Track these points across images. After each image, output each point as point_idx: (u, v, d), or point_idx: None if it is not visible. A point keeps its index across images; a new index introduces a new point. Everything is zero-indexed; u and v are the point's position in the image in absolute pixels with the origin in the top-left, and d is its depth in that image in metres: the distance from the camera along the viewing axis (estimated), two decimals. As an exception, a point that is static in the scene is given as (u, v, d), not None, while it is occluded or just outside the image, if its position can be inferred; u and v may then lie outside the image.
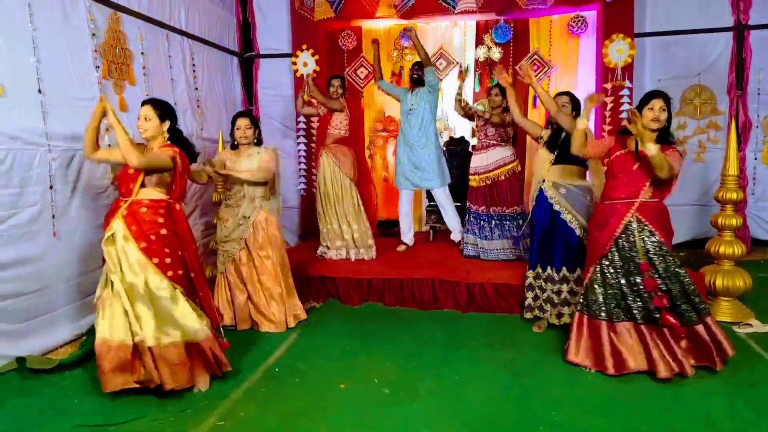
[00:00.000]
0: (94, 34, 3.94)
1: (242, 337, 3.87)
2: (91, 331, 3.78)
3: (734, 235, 4.20)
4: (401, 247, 5.52)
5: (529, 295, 4.14)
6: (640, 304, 3.20)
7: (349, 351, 3.71)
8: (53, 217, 3.56)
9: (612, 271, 3.27)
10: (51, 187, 3.54)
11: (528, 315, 4.15)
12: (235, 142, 4.10)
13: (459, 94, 5.33)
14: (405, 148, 5.34)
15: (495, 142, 5.02)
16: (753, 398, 2.92)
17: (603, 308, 3.28)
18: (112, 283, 3.02)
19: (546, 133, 4.10)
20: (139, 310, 2.98)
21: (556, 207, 3.92)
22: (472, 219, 5.12)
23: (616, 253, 3.26)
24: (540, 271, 4.08)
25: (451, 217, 5.48)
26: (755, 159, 5.83)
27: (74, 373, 3.34)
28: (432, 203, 5.81)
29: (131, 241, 3.02)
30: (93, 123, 3.16)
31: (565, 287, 3.96)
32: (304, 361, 3.53)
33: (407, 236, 5.58)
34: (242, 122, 4.05)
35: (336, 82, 5.18)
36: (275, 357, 3.60)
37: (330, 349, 3.74)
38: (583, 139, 3.46)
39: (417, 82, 5.25)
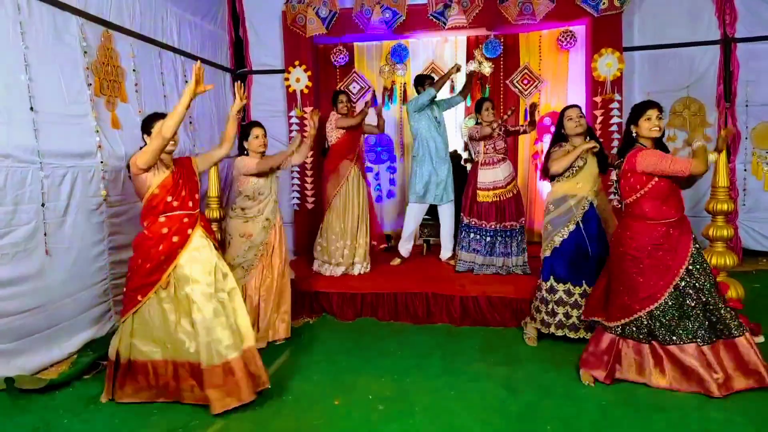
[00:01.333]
0: (86, 52, 3.95)
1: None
2: (82, 350, 3.76)
3: (726, 246, 4.21)
4: (396, 261, 5.52)
5: (560, 310, 3.85)
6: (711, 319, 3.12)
7: (343, 367, 3.68)
8: (45, 235, 3.53)
9: (690, 291, 3.15)
10: (43, 205, 3.52)
11: (560, 333, 3.87)
12: (246, 152, 4.06)
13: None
14: (433, 163, 5.33)
15: (502, 156, 5.03)
16: (748, 409, 2.92)
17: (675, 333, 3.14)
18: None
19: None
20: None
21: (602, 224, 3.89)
22: (474, 235, 5.07)
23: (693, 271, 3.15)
24: (570, 286, 3.84)
25: (449, 234, 5.49)
26: (745, 170, 5.89)
27: (65, 392, 3.30)
28: (427, 217, 5.82)
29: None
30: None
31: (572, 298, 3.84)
32: (297, 378, 3.50)
33: (405, 248, 5.58)
34: (261, 131, 4.04)
35: (344, 98, 5.26)
36: (268, 373, 3.57)
37: (324, 365, 3.72)
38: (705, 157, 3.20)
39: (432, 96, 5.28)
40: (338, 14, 6.06)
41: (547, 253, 3.89)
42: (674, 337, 3.12)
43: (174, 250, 3.07)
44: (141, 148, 3.17)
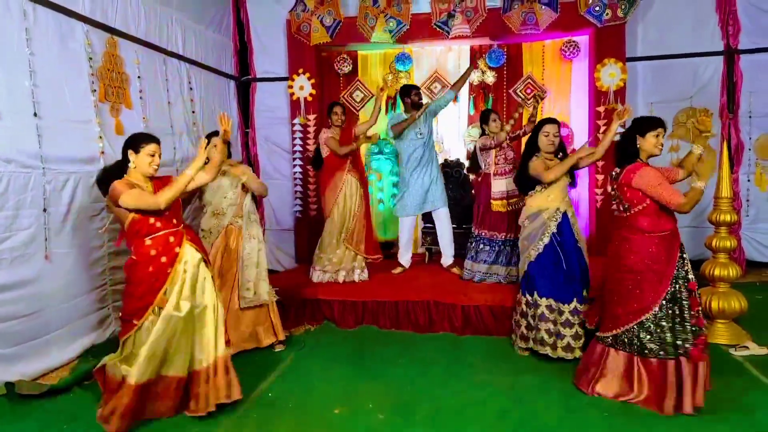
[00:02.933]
0: (91, 58, 3.97)
1: (235, 361, 3.80)
2: (82, 355, 3.76)
3: (729, 257, 4.20)
4: (398, 270, 5.51)
5: (543, 326, 3.78)
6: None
7: (344, 375, 3.67)
8: (46, 239, 3.53)
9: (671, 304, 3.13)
10: (45, 210, 3.53)
11: (532, 346, 3.87)
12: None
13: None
14: (418, 173, 5.32)
15: (513, 166, 4.94)
16: (751, 422, 2.90)
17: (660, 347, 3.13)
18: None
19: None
20: None
21: (576, 235, 3.86)
22: (484, 246, 5.01)
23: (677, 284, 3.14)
24: (553, 302, 3.78)
25: (448, 240, 5.47)
26: (748, 181, 5.87)
27: (64, 398, 3.30)
28: (428, 225, 5.81)
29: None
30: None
31: (577, 319, 3.77)
32: (297, 386, 3.49)
33: (404, 259, 5.58)
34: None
35: (339, 109, 5.24)
36: (269, 381, 3.57)
37: (324, 372, 3.71)
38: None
39: (418, 106, 5.26)
40: (342, 23, 6.09)
41: (525, 268, 3.91)
42: (662, 352, 3.10)
43: (164, 271, 3.03)
44: (118, 163, 3.13)
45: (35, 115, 3.48)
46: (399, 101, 6.57)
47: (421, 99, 5.35)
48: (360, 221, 5.22)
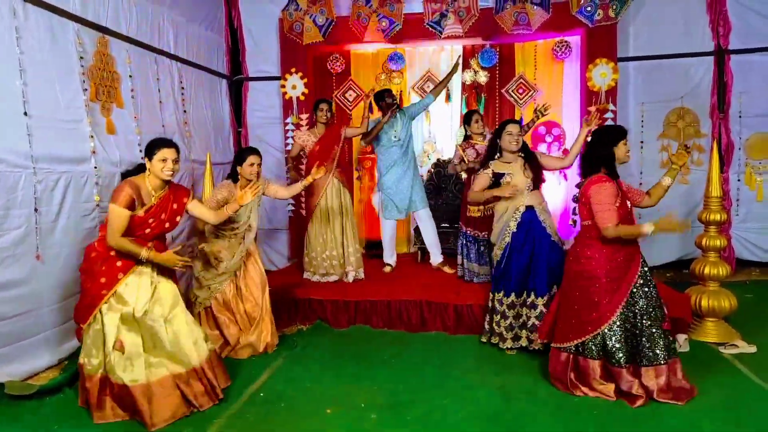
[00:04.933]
0: (81, 57, 3.95)
1: (227, 362, 3.81)
2: (73, 355, 3.74)
3: (719, 256, 4.23)
4: (387, 269, 5.52)
5: (502, 321, 3.97)
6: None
7: (336, 375, 3.67)
8: (37, 239, 3.52)
9: (629, 314, 3.18)
10: (36, 210, 3.51)
11: (495, 340, 4.02)
12: (238, 176, 4.04)
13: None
14: (395, 176, 5.33)
15: None
16: (740, 421, 2.92)
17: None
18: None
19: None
20: None
21: (548, 230, 3.92)
22: (470, 244, 5.03)
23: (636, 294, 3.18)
24: (515, 298, 3.95)
25: (433, 240, 5.48)
26: (738, 180, 5.91)
27: (54, 398, 3.28)
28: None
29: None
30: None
31: (535, 312, 3.89)
32: (289, 386, 3.49)
33: (391, 259, 5.59)
34: (256, 159, 4.01)
35: (324, 106, 5.22)
36: (260, 381, 3.56)
37: (316, 373, 3.71)
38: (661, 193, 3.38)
39: (393, 106, 5.27)
40: (335, 22, 6.08)
41: (494, 266, 4.10)
42: (613, 361, 3.15)
43: (114, 275, 3.04)
44: (139, 167, 3.23)
45: (25, 114, 3.46)
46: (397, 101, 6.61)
47: (395, 100, 5.35)
48: (350, 220, 5.23)
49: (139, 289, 3.08)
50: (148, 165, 3.12)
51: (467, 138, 5.14)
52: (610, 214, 3.10)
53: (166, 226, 3.19)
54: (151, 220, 3.12)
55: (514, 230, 3.89)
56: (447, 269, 5.39)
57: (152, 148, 3.11)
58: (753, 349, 3.88)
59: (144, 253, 3.05)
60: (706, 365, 3.62)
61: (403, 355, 3.99)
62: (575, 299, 3.28)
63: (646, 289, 3.17)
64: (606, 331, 3.17)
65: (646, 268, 3.23)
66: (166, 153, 3.09)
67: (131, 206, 3.01)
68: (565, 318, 3.35)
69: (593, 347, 3.20)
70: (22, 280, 3.44)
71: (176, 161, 3.13)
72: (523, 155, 3.96)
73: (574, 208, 3.46)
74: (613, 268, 3.17)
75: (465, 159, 4.96)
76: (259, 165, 4.06)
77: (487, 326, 4.12)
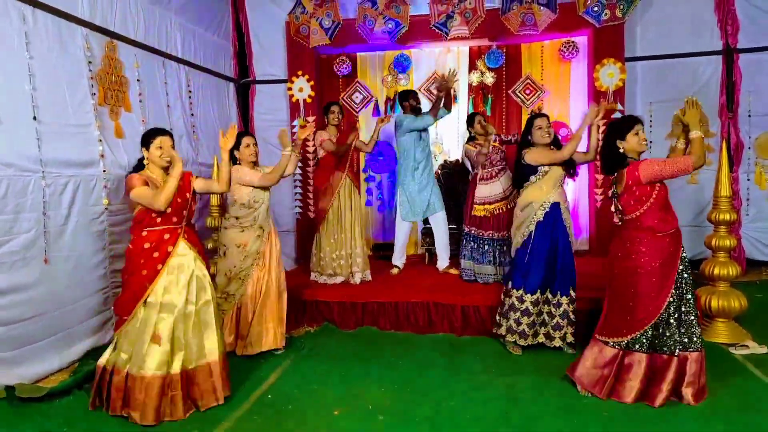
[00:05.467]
0: (90, 62, 3.99)
1: (235, 363, 3.81)
2: (83, 358, 3.76)
3: (729, 256, 4.19)
4: (394, 270, 5.51)
5: (524, 318, 3.96)
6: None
7: (344, 376, 3.67)
8: (46, 243, 3.54)
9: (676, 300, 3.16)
10: (45, 214, 3.53)
11: (513, 338, 3.98)
12: (238, 161, 4.07)
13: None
14: (421, 179, 5.34)
15: (501, 167, 4.97)
16: (751, 422, 2.90)
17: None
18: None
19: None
20: None
21: (568, 230, 3.92)
22: (473, 244, 5.03)
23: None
24: (540, 295, 3.92)
25: (444, 244, 5.49)
26: (748, 180, 5.87)
27: (64, 401, 3.30)
28: (428, 225, 5.81)
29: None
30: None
31: (559, 311, 3.92)
32: (297, 388, 3.49)
33: (400, 261, 5.59)
34: (251, 140, 4.08)
35: (335, 108, 5.24)
36: (268, 383, 3.57)
37: (324, 374, 3.71)
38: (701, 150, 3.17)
39: (417, 110, 5.31)
40: (341, 25, 6.10)
41: (513, 255, 4.09)
42: (665, 349, 3.13)
43: (153, 267, 3.10)
44: (139, 160, 3.30)
45: (35, 118, 3.49)
46: (398, 104, 6.62)
47: (418, 103, 5.39)
48: (359, 222, 5.24)
49: (179, 281, 3.15)
50: (146, 155, 3.21)
51: (471, 139, 5.17)
52: (678, 161, 3.04)
53: (178, 201, 3.21)
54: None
55: (540, 219, 3.87)
56: (453, 271, 5.38)
57: (147, 138, 3.22)
58: (764, 349, 3.85)
59: (176, 169, 3.14)
60: (716, 366, 3.58)
61: (411, 357, 3.99)
62: (630, 295, 3.20)
63: (686, 275, 3.16)
64: (658, 321, 3.12)
65: (685, 253, 3.22)
66: (160, 140, 3.19)
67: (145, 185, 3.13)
68: (618, 314, 3.26)
69: (644, 340, 3.16)
70: (32, 283, 3.46)
71: (172, 147, 3.23)
72: (554, 148, 3.94)
73: (613, 207, 3.38)
74: (666, 257, 3.13)
75: (480, 152, 4.93)
76: (255, 145, 4.10)
77: (502, 321, 4.05)
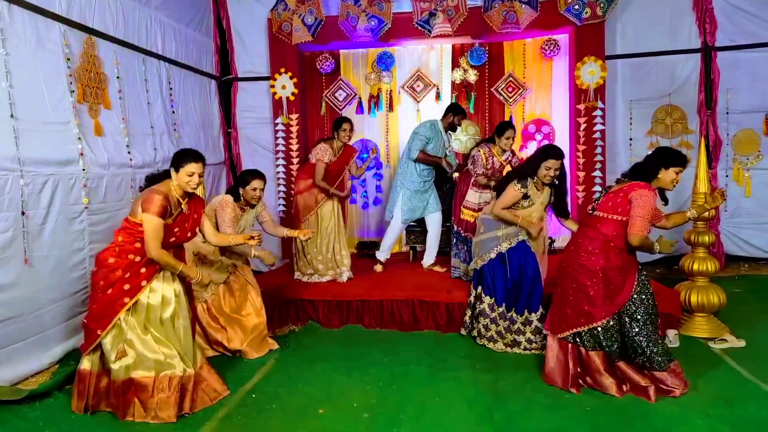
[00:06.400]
0: (68, 59, 3.92)
1: (219, 362, 3.79)
2: (63, 359, 3.71)
3: (708, 252, 4.27)
4: (378, 267, 5.50)
5: (493, 326, 4.04)
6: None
7: (329, 375, 3.67)
8: (24, 243, 3.48)
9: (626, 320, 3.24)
10: (23, 213, 3.47)
11: (482, 342, 4.08)
12: (241, 198, 4.05)
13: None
14: (425, 182, 5.34)
15: (492, 179, 4.87)
16: (731, 415, 2.94)
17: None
18: None
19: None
20: None
21: (533, 252, 4.00)
22: (462, 244, 5.03)
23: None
24: (506, 310, 4.01)
25: (435, 243, 5.50)
26: (726, 176, 5.97)
27: (44, 403, 3.25)
28: (412, 224, 5.81)
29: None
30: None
31: (531, 326, 3.97)
32: (282, 387, 3.48)
33: (383, 256, 5.57)
34: (259, 183, 4.02)
35: (347, 126, 5.20)
36: (253, 382, 3.55)
37: (309, 373, 3.70)
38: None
39: (454, 128, 5.36)
40: (324, 22, 6.07)
41: (475, 267, 4.15)
42: (612, 354, 3.24)
43: (137, 283, 3.05)
44: (164, 173, 3.22)
45: (12, 116, 3.42)
46: (381, 101, 6.60)
47: (460, 124, 5.37)
48: (340, 226, 5.25)
49: (164, 292, 3.13)
50: (173, 175, 3.13)
51: (489, 141, 5.01)
52: (646, 224, 3.12)
53: (188, 235, 3.23)
54: (176, 230, 3.15)
55: (503, 251, 3.97)
56: (438, 268, 5.40)
57: (180, 160, 3.12)
58: (742, 343, 3.92)
59: (182, 268, 3.15)
60: (695, 360, 3.65)
61: (396, 355, 3.99)
62: (571, 290, 3.31)
63: (643, 297, 3.20)
64: (599, 329, 3.21)
65: (643, 276, 3.27)
66: (194, 167, 3.11)
67: (164, 216, 3.02)
68: (559, 306, 3.39)
69: (590, 338, 3.24)
70: (10, 284, 3.39)
71: (202, 175, 3.16)
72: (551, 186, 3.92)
73: (595, 197, 3.47)
74: (613, 268, 3.19)
75: (485, 173, 4.88)
76: (262, 190, 4.06)
77: (469, 322, 4.22)
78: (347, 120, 5.28)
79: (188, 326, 3.26)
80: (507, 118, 6.35)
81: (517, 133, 5.56)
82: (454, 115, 5.26)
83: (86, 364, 3.12)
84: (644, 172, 3.27)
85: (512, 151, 5.03)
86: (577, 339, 3.32)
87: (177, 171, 3.11)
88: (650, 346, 3.16)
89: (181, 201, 3.17)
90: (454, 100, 6.50)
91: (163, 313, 3.12)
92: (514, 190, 3.83)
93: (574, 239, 3.44)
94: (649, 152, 3.47)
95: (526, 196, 3.85)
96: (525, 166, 3.89)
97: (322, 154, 5.11)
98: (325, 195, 5.15)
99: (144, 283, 3.05)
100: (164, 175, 3.21)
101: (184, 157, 3.12)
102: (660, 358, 3.16)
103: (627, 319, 3.20)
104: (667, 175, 3.24)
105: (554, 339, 3.43)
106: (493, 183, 4.70)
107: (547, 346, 3.48)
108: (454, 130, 5.39)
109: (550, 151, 3.77)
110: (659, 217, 3.40)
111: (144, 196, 3.05)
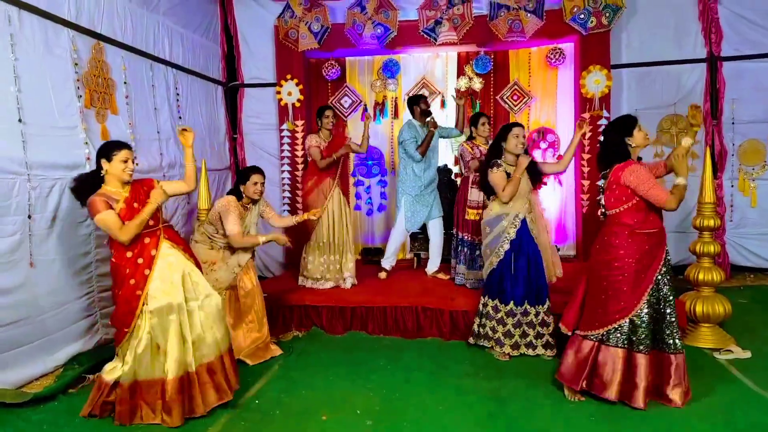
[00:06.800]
0: (76, 64, 3.95)
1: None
2: (68, 363, 3.72)
3: (713, 262, 4.25)
4: (383, 274, 5.50)
5: (500, 327, 4.01)
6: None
7: (332, 381, 3.66)
8: (31, 246, 3.50)
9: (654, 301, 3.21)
10: (30, 217, 3.49)
11: (489, 344, 4.06)
12: (242, 194, 4.08)
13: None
14: (427, 188, 5.34)
15: None
16: (737, 427, 2.93)
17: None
18: None
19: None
20: None
21: (535, 240, 3.98)
22: (465, 249, 5.05)
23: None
24: (515, 306, 3.96)
25: (438, 249, 5.50)
26: (732, 186, 5.95)
27: (48, 406, 3.26)
28: (417, 231, 5.81)
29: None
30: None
31: (539, 318, 3.97)
32: (285, 392, 3.48)
33: (388, 264, 5.58)
34: (259, 178, 4.08)
35: (330, 113, 5.22)
36: (256, 388, 3.55)
37: (312, 379, 3.70)
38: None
39: (427, 113, 5.28)
40: (330, 29, 6.11)
41: (488, 274, 4.07)
42: (641, 347, 3.17)
43: (141, 273, 3.07)
44: (93, 172, 3.17)
45: (20, 120, 3.45)
46: (387, 108, 6.63)
47: (429, 107, 5.38)
48: (348, 228, 5.23)
49: (172, 281, 3.12)
50: (106, 167, 3.09)
51: (470, 138, 5.19)
52: (658, 188, 3.09)
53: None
54: (136, 204, 3.12)
55: (513, 237, 3.91)
56: (441, 276, 5.40)
57: (109, 150, 3.10)
58: (748, 354, 3.90)
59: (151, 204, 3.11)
60: (701, 371, 3.63)
61: (399, 361, 3.99)
62: (602, 289, 3.26)
63: (669, 277, 3.20)
64: (634, 318, 3.16)
65: (669, 257, 3.25)
66: (126, 154, 3.11)
67: (110, 207, 3.04)
68: (591, 307, 3.34)
69: (619, 335, 3.19)
70: (17, 287, 3.41)
71: (134, 161, 3.17)
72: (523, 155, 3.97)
73: (598, 200, 3.46)
74: (643, 255, 3.17)
75: (474, 156, 4.99)
76: (263, 184, 4.12)
77: (478, 330, 4.14)
78: (329, 107, 5.33)
79: (213, 311, 3.23)
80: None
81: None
82: (416, 105, 5.33)
83: (109, 374, 3.11)
84: (618, 154, 3.27)
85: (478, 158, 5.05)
86: (605, 337, 3.23)
87: (109, 160, 3.07)
88: (678, 330, 3.17)
89: (122, 190, 3.13)
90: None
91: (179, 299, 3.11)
92: (496, 174, 3.92)
93: (599, 239, 3.39)
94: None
95: (508, 176, 3.92)
96: (491, 150, 4.09)
97: (311, 140, 5.16)
98: (334, 175, 5.16)
99: (147, 272, 3.08)
100: (92, 175, 3.18)
101: (113, 146, 3.13)
102: (677, 341, 3.18)
103: (659, 299, 3.18)
104: (635, 140, 3.24)
105: (579, 339, 3.36)
106: None
107: (569, 346, 3.40)
108: (428, 115, 5.28)
109: (508, 125, 4.03)
110: (660, 170, 3.38)
111: (88, 204, 3.07)
